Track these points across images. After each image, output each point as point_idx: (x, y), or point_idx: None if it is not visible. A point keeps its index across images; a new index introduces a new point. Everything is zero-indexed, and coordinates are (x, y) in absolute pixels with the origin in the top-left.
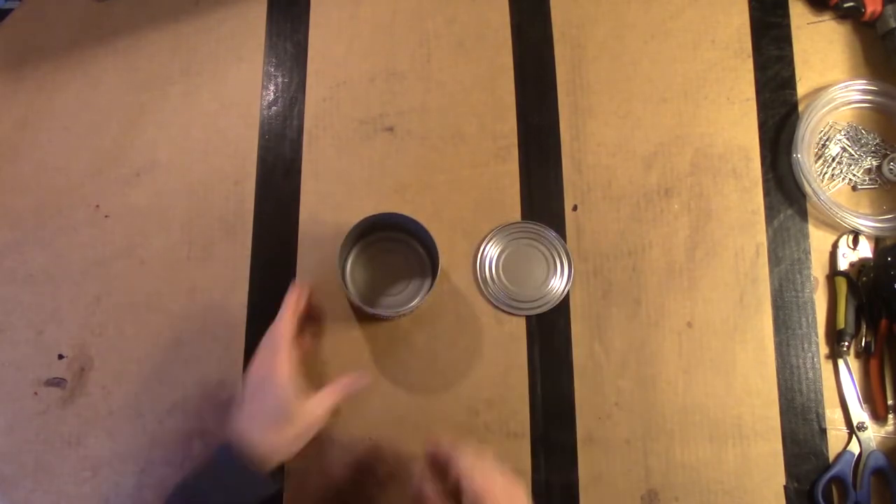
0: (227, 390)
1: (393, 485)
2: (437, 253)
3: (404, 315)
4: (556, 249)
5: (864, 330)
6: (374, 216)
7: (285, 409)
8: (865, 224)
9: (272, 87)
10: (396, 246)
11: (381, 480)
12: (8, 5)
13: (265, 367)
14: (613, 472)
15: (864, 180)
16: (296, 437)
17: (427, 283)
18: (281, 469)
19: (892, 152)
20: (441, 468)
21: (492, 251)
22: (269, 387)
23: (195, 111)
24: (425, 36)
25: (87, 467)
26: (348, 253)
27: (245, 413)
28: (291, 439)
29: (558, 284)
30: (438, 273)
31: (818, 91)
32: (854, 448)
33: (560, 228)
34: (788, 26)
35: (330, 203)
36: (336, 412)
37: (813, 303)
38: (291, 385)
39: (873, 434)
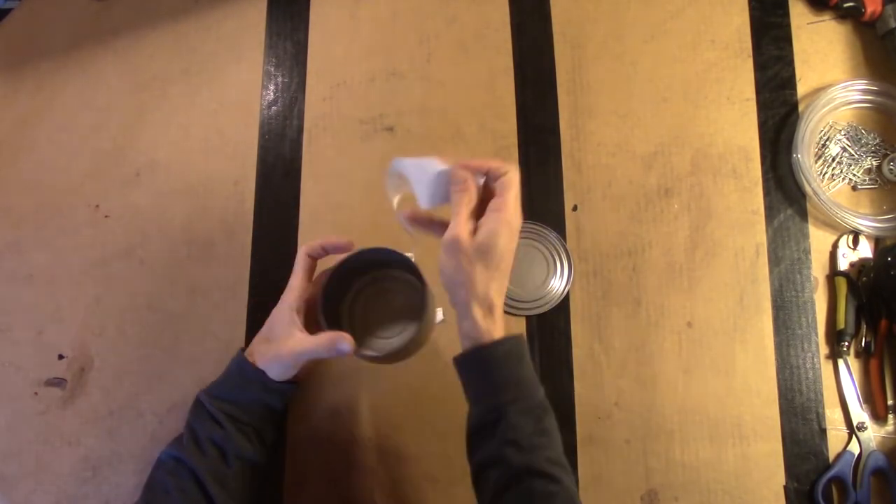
0: None
1: (394, 485)
2: (427, 293)
3: (389, 359)
4: (556, 249)
5: (864, 330)
6: (360, 253)
7: (274, 329)
8: (865, 224)
9: (272, 87)
10: (394, 285)
11: (382, 480)
12: (8, 5)
13: (285, 291)
14: (613, 472)
15: (864, 180)
16: (277, 356)
17: (416, 324)
18: (291, 384)
19: (892, 152)
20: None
21: None
22: (276, 309)
23: (195, 111)
24: (425, 36)
25: (87, 467)
26: (345, 292)
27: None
28: (274, 357)
29: (558, 284)
30: (427, 313)
31: (818, 91)
32: (854, 448)
33: (560, 228)
34: (788, 26)
35: (330, 203)
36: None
37: (813, 303)
38: (287, 313)
39: (873, 434)
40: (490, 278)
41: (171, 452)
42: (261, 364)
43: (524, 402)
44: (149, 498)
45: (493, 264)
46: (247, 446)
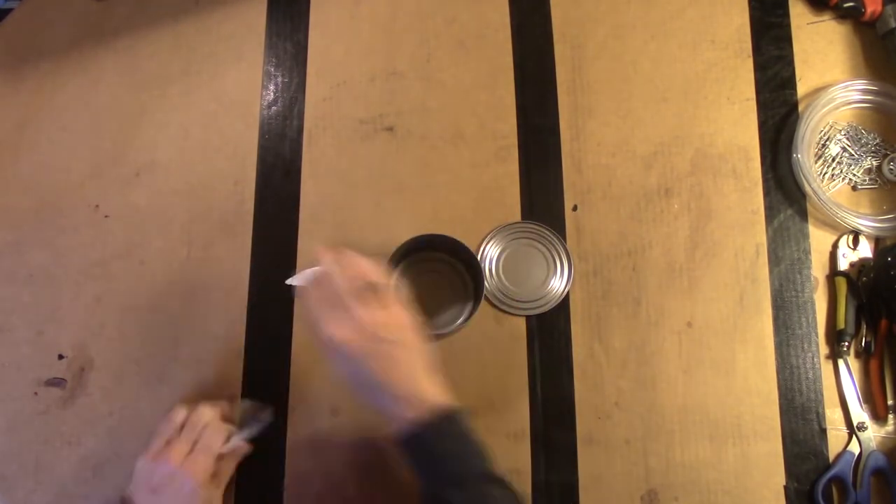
0: (227, 390)
1: (393, 485)
2: (481, 277)
3: (443, 335)
4: (556, 249)
5: (864, 330)
6: (419, 238)
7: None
8: (865, 224)
9: (272, 87)
10: (440, 266)
11: (382, 481)
12: (8, 5)
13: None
14: (613, 472)
15: (864, 180)
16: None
17: (468, 306)
18: None
19: (892, 152)
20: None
21: (492, 251)
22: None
23: (195, 111)
24: (425, 36)
25: (87, 467)
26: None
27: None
28: None
29: (558, 284)
30: (482, 298)
31: (818, 91)
32: (854, 448)
33: (560, 228)
34: (788, 26)
35: (330, 203)
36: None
37: (813, 303)
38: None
39: (873, 434)
40: (372, 388)
41: None
42: None
43: (460, 476)
44: None
45: (358, 385)
46: None
